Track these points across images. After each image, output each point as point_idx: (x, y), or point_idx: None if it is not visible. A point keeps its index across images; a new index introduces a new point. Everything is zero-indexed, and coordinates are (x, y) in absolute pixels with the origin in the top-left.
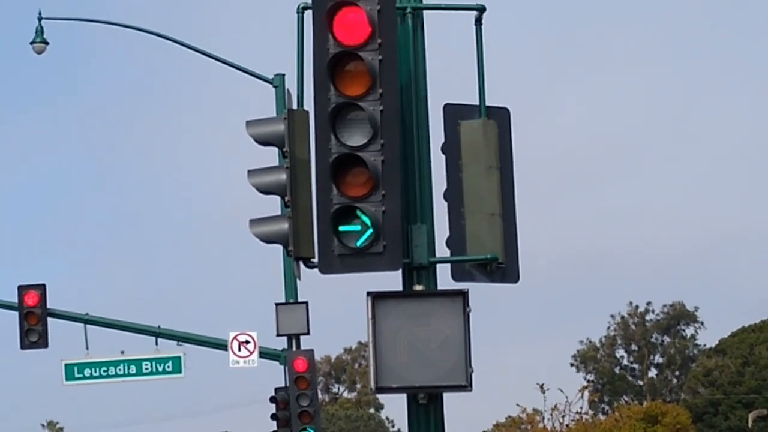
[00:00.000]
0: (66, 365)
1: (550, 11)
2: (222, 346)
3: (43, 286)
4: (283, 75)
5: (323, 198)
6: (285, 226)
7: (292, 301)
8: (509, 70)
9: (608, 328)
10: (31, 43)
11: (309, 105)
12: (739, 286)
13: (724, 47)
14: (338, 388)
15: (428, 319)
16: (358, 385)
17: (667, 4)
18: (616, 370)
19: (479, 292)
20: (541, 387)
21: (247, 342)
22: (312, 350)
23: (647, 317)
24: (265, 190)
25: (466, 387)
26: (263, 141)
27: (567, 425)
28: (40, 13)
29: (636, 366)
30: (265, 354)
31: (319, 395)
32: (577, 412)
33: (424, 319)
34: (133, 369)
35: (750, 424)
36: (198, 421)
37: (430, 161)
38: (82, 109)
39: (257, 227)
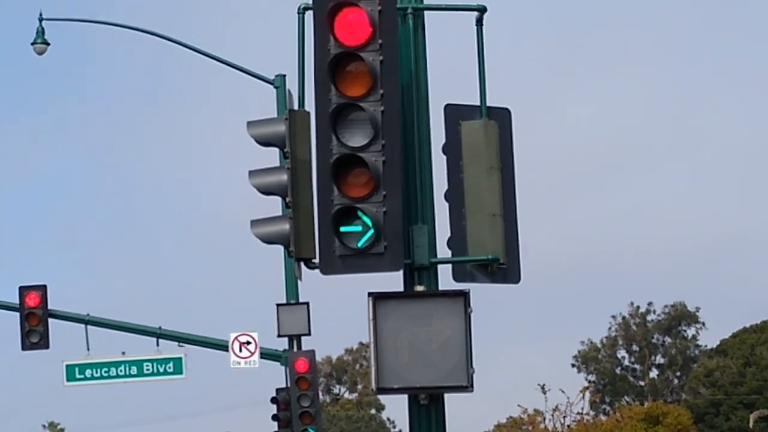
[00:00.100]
0: (67, 366)
1: (551, 11)
2: (223, 346)
3: (44, 287)
4: (284, 76)
5: (324, 199)
6: (286, 226)
7: (293, 301)
8: (510, 71)
9: (609, 328)
10: (32, 43)
11: (310, 106)
12: (740, 286)
13: (726, 48)
14: (339, 389)
15: (429, 319)
16: (359, 386)
17: (668, 5)
18: (618, 371)
19: (480, 292)
20: (542, 388)
21: (248, 343)
22: (313, 351)
23: (648, 318)
24: (266, 191)
25: (468, 388)
26: (264, 142)
27: (568, 426)
28: (41, 14)
29: (637, 366)
30: (266, 355)
31: (320, 396)
32: (578, 413)
33: (425, 319)
34: (134, 370)
35: (751, 424)
36: (199, 422)
37: (431, 162)
38: (83, 110)
39: (258, 228)
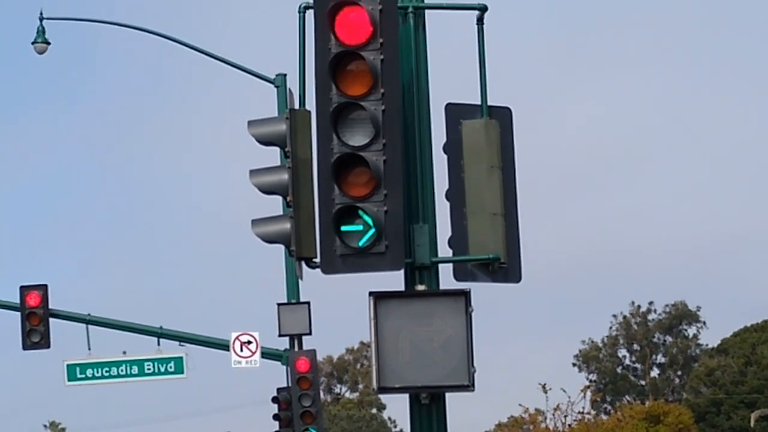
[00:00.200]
0: (68, 366)
1: (552, 11)
2: (224, 346)
3: (45, 286)
4: (285, 75)
5: (325, 198)
6: (287, 226)
7: (294, 301)
8: (511, 70)
9: (610, 327)
10: (32, 43)
11: (311, 105)
12: (741, 285)
13: (727, 48)
14: (340, 389)
15: (430, 319)
16: (360, 386)
17: (670, 5)
18: (619, 370)
19: (481, 292)
20: (544, 387)
21: (249, 342)
22: (314, 350)
23: (649, 317)
24: (267, 190)
25: (469, 387)
26: (265, 141)
27: (569, 425)
28: (41, 13)
29: (638, 366)
30: (267, 354)
31: (321, 395)
32: (579, 412)
33: (426, 319)
34: (135, 369)
35: (752, 423)
36: (200, 422)
37: (431, 161)
38: (84, 110)
39: (259, 227)
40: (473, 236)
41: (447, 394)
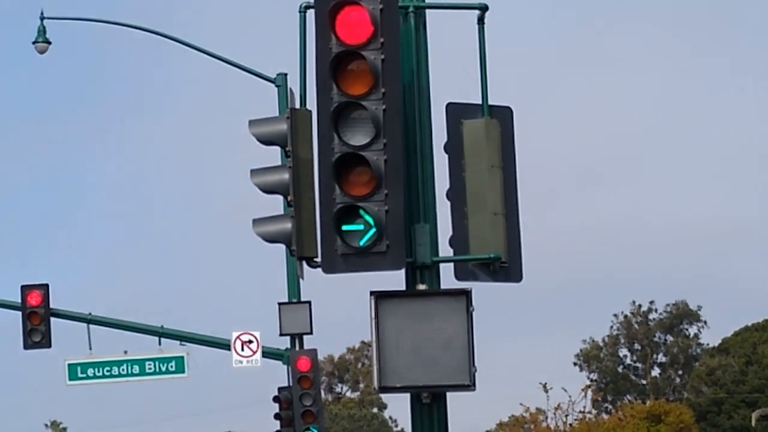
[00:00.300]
0: (69, 365)
1: (553, 10)
2: (225, 345)
3: (46, 285)
4: (286, 74)
5: (326, 197)
6: (288, 225)
7: (295, 300)
8: (512, 69)
9: (611, 327)
10: (33, 42)
11: (312, 104)
12: (742, 285)
13: (727, 47)
14: (341, 388)
15: (431, 318)
16: (362, 385)
17: (670, 4)
18: (620, 369)
19: (482, 291)
20: (544, 386)
21: (250, 342)
22: (315, 350)
23: (650, 316)
24: (268, 190)
25: (470, 386)
26: (266, 140)
27: (570, 424)
28: (42, 13)
29: (639, 365)
30: (268, 353)
31: (323, 395)
32: (580, 412)
33: (427, 318)
34: (136, 369)
35: (753, 423)
36: (201, 421)
37: (432, 160)
38: (84, 108)
39: (260, 227)
40: (474, 236)
41: (448, 394)
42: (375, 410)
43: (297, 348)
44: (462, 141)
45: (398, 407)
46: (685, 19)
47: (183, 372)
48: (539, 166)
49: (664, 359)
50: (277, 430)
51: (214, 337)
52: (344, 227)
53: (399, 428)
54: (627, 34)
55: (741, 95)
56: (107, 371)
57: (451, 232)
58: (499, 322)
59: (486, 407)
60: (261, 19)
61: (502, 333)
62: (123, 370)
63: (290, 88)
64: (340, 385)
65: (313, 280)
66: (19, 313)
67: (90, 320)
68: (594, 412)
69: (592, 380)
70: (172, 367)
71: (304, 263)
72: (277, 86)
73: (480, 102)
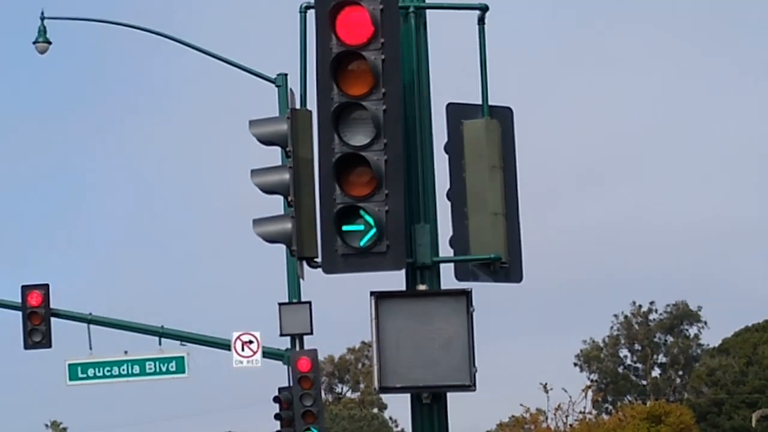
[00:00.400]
0: (69, 365)
1: (553, 10)
2: (225, 346)
3: (47, 285)
4: (286, 74)
5: (326, 197)
6: (288, 225)
7: (295, 300)
8: (512, 69)
9: (612, 327)
10: (34, 42)
11: (312, 104)
12: (742, 285)
13: (731, 47)
14: (342, 388)
15: (432, 318)
16: (362, 385)
17: (672, 3)
18: (620, 370)
19: (482, 291)
20: (545, 387)
21: (251, 342)
22: (315, 350)
23: (650, 317)
24: (269, 190)
25: (470, 387)
26: (266, 140)
27: (570, 425)
28: (42, 13)
29: (639, 366)
30: (268, 354)
31: (323, 395)
32: (580, 412)
33: (427, 318)
34: (136, 369)
35: (754, 423)
36: (201, 421)
37: (433, 161)
38: (84, 108)
39: (260, 227)
40: (474, 236)
41: (448, 394)
42: (375, 410)
43: (297, 348)
44: (462, 141)
45: (398, 407)
46: (685, 19)
47: (183, 372)
48: (539, 167)
49: (664, 360)
50: (277, 431)
51: (214, 338)
52: (344, 227)
53: (399, 429)
54: (627, 34)
55: (741, 95)
56: (107, 371)
57: (451, 233)
58: (500, 323)
59: (486, 408)
60: (261, 20)
61: (503, 333)
62: (123, 370)
63: (290, 89)
64: (340, 385)
65: (314, 280)
66: (20, 313)
67: (90, 320)
68: (594, 412)
69: (592, 381)
70: (172, 367)
71: (305, 263)
72: (277, 86)
73: (480, 102)
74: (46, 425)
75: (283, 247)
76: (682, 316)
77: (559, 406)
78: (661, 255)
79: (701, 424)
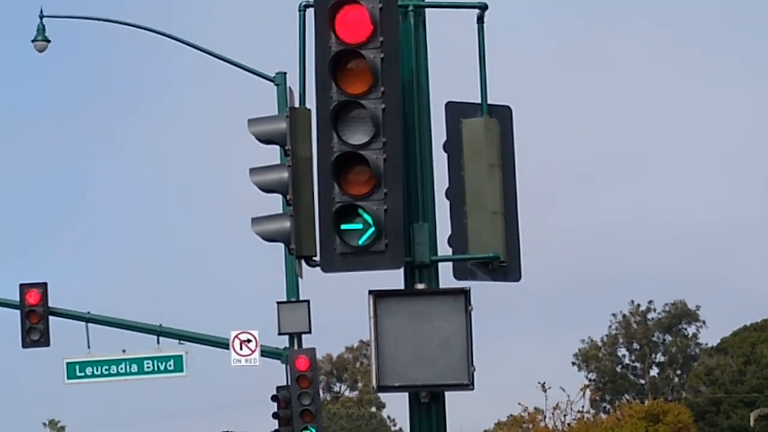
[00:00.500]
0: (68, 364)
1: (552, 9)
2: (224, 344)
3: (45, 284)
4: (285, 73)
5: (325, 196)
6: (287, 224)
7: (293, 299)
8: (512, 68)
9: (610, 326)
10: (32, 41)
11: (311, 103)
12: (741, 285)
13: (731, 47)
14: (340, 387)
15: (430, 317)
16: (360, 384)
17: (672, 3)
18: (618, 369)
19: (481, 290)
20: (543, 386)
21: (249, 340)
22: (314, 349)
23: (649, 316)
24: (267, 189)
25: (468, 386)
26: (265, 139)
27: (569, 424)
28: (41, 11)
29: (637, 365)
30: (266, 352)
31: (321, 394)
32: (578, 411)
33: (425, 317)
34: (134, 368)
35: (752, 423)
36: (199, 420)
37: (432, 159)
38: (84, 107)
39: (259, 225)
40: (473, 235)
41: (446, 393)
42: (373, 409)
43: (295, 347)
44: (461, 140)
45: (397, 406)
46: (686, 19)
47: (181, 371)
48: (538, 166)
49: (662, 359)
50: (275, 429)
51: (212, 336)
52: (343, 226)
53: (397, 427)
54: (627, 34)
55: (741, 95)
56: (106, 370)
57: (449, 231)
58: (498, 322)
59: (484, 407)
60: (260, 18)
61: (501, 332)
62: (121, 368)
63: (289, 87)
64: (338, 384)
65: (312, 279)
66: (18, 311)
67: (88, 319)
68: (592, 411)
69: (590, 380)
70: (170, 366)
71: (303, 262)
72: (276, 85)
73: (479, 101)
74: (44, 424)
75: (281, 245)
76: (681, 315)
77: (557, 405)
78: (660, 255)
79: (699, 423)
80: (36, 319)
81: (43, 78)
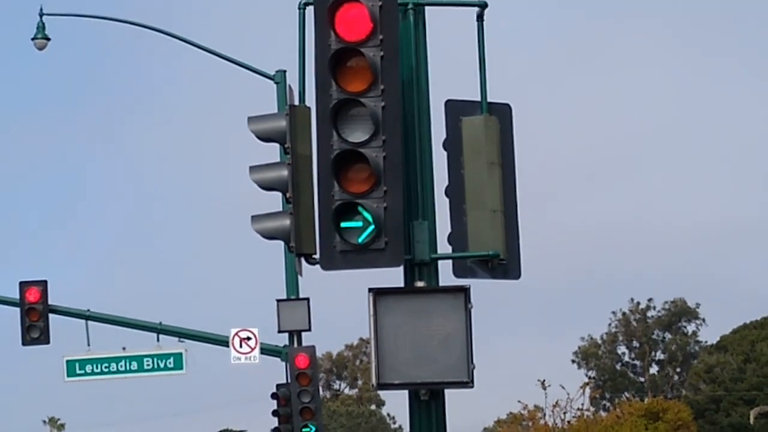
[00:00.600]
0: (67, 361)
1: (552, 7)
2: (223, 342)
3: (45, 282)
4: (285, 71)
5: (325, 194)
6: (286, 222)
7: (293, 297)
8: (511, 66)
9: (610, 324)
10: (32, 39)
11: (311, 101)
12: (740, 282)
13: (731, 48)
14: (339, 385)
15: (430, 315)
16: (360, 382)
17: (673, 3)
18: (618, 367)
19: (481, 288)
20: (543, 383)
21: (249, 338)
22: (313, 347)
23: (649, 314)
24: (267, 187)
25: (468, 383)
26: (265, 137)
27: (568, 422)
28: (41, 9)
29: (637, 362)
30: (266, 350)
31: (321, 392)
32: (578, 409)
33: (425, 315)
34: (134, 365)
35: (752, 420)
36: (199, 418)
37: (431, 157)
38: (83, 105)
39: (259, 223)
40: (473, 233)
41: (446, 391)
42: (373, 407)
43: (295, 345)
44: (461, 138)
45: (396, 404)
46: (687, 19)
47: (181, 368)
48: (538, 164)
49: (662, 357)
50: (275, 427)
51: (212, 334)
52: (343, 224)
53: (397, 425)
54: (628, 34)
55: (741, 95)
56: (105, 368)
57: (449, 229)
58: (498, 320)
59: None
60: (260, 16)
61: (501, 330)
62: (121, 366)
63: (289, 85)
64: (338, 382)
65: (312, 277)
66: (18, 309)
67: (88, 317)
68: (592, 409)
69: (590, 377)
70: (170, 363)
71: (303, 260)
72: (276, 83)
73: (479, 99)
74: (44, 421)
75: (281, 243)
76: (681, 313)
77: (557, 403)
78: (660, 253)
79: (699, 421)
80: (36, 316)
81: (43, 76)
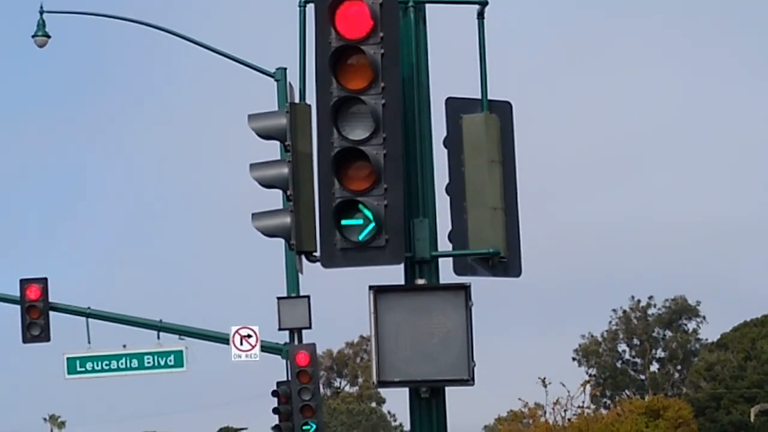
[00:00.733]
0: (68, 359)
1: (552, 6)
2: (224, 340)
3: (45, 279)
4: (285, 69)
5: (325, 192)
6: (287, 219)
7: (294, 295)
8: (512, 64)
9: (610, 322)
10: (33, 36)
11: (311, 99)
12: (741, 280)
13: (732, 48)
14: (340, 382)
15: (430, 313)
16: (360, 380)
17: (673, 3)
18: (618, 365)
19: (481, 286)
20: (543, 381)
21: (249, 336)
22: (314, 344)
23: (649, 311)
24: (268, 184)
25: (468, 381)
26: (265, 135)
27: (569, 419)
28: (41, 7)
29: (638, 360)
30: (266, 348)
31: (321, 389)
32: (579, 407)
33: (426, 313)
34: (135, 363)
35: (752, 418)
36: (199, 415)
37: (432, 155)
38: (83, 102)
39: (259, 221)
40: (473, 230)
41: (447, 388)
42: (373, 405)
43: (296, 342)
44: (461, 136)
45: (397, 402)
46: (687, 19)
47: (182, 366)
48: (539, 162)
49: (662, 354)
50: (275, 425)
51: (212, 332)
52: (343, 222)
53: (397, 423)
54: (628, 32)
55: (741, 95)
56: (106, 365)
57: (450, 227)
58: (498, 317)
59: (484, 402)
60: (261, 14)
61: (501, 328)
62: (122, 364)
63: (289, 83)
64: (338, 379)
65: (312, 274)
66: (18, 306)
67: (89, 314)
68: (593, 407)
69: (590, 375)
70: (170, 361)
71: (303, 258)
72: (276, 81)
73: (479, 97)
74: (45, 419)
75: (281, 241)
76: (681, 310)
77: (557, 400)
78: (660, 251)
79: (699, 418)
80: (36, 314)
81: (43, 73)
